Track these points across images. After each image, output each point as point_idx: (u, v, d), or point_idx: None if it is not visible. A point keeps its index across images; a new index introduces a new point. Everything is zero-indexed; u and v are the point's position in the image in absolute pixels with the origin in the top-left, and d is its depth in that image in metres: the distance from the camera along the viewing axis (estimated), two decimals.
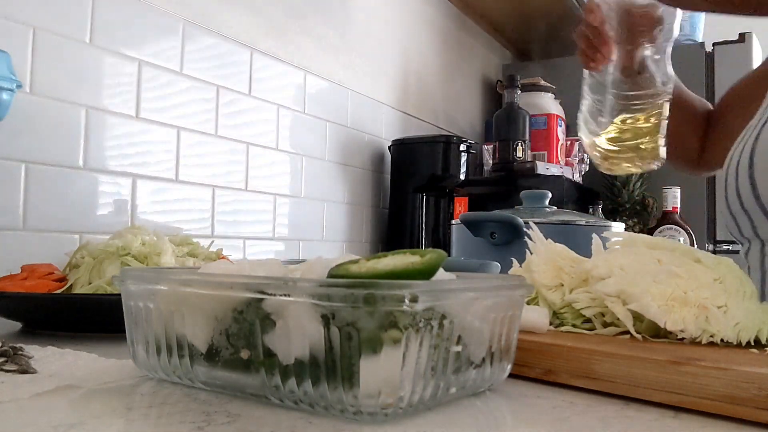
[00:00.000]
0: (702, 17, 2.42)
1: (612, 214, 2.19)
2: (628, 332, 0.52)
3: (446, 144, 1.79)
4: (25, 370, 0.45)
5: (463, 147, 1.82)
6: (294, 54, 1.51)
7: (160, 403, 0.40)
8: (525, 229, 0.92)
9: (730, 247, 2.14)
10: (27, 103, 0.93)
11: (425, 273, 0.38)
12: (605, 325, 0.54)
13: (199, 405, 0.39)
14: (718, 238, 2.18)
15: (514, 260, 0.64)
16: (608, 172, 0.75)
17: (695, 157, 0.98)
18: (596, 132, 0.69)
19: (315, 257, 0.43)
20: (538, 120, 2.16)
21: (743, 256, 0.82)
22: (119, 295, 0.46)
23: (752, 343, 0.49)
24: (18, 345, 0.51)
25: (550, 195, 1.33)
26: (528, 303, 0.56)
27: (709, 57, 2.24)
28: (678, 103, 0.84)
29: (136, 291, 0.45)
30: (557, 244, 0.61)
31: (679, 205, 1.91)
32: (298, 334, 0.36)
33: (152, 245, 0.77)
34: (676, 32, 0.72)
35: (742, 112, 0.83)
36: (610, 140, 0.69)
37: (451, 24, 2.31)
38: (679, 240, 1.81)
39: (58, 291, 0.73)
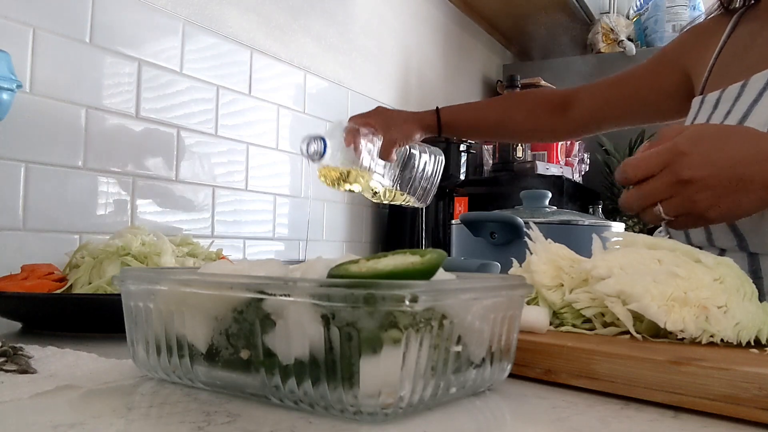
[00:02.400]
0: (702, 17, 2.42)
1: (612, 214, 2.19)
2: (628, 332, 0.52)
3: (446, 144, 1.79)
4: (25, 370, 0.45)
5: (463, 147, 1.82)
6: (294, 54, 1.51)
7: (160, 403, 0.40)
8: (525, 229, 0.92)
9: None
10: (27, 103, 0.93)
11: (425, 273, 0.38)
12: (605, 325, 0.54)
13: (199, 405, 0.39)
14: None
15: (514, 260, 0.64)
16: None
17: (551, 131, 1.16)
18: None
19: (315, 257, 0.43)
20: None
21: None
22: (119, 295, 0.46)
23: (752, 343, 0.49)
24: (18, 345, 0.51)
25: (550, 195, 1.33)
26: (528, 303, 0.56)
27: None
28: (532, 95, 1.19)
29: (136, 291, 0.45)
30: (557, 244, 0.61)
31: None
32: (298, 334, 0.36)
33: (152, 245, 0.77)
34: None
35: (592, 106, 1.07)
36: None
37: (451, 24, 2.31)
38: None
39: (58, 291, 0.73)
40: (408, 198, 1.07)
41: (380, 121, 1.04)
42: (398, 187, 1.06)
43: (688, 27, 1.01)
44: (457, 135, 1.18)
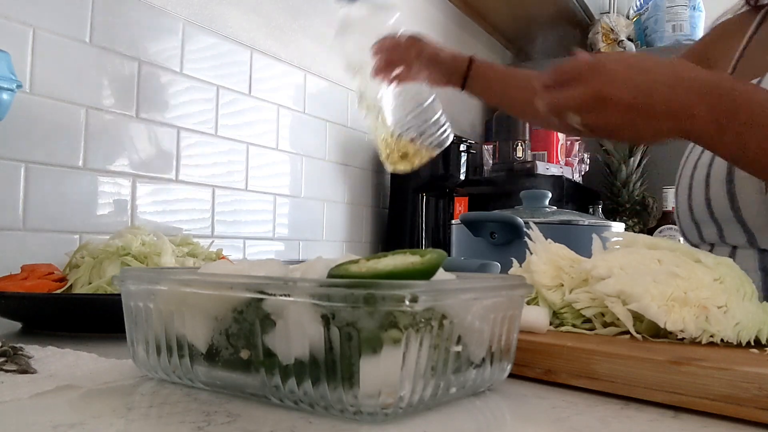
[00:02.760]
0: (702, 17, 2.42)
1: (612, 214, 2.19)
2: (628, 332, 0.52)
3: None
4: (25, 370, 0.45)
5: (463, 147, 1.82)
6: (294, 54, 1.51)
7: (160, 403, 0.40)
8: (525, 229, 0.92)
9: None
10: (27, 103, 0.93)
11: (425, 273, 0.38)
12: (605, 325, 0.54)
13: (199, 405, 0.39)
14: None
15: (514, 260, 0.64)
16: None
17: None
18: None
19: (315, 257, 0.43)
20: None
21: None
22: (119, 295, 0.46)
23: (752, 343, 0.49)
24: (18, 345, 0.51)
25: (550, 195, 1.33)
26: (528, 303, 0.56)
27: None
28: None
29: (136, 291, 0.45)
30: (557, 244, 0.61)
31: None
32: (298, 334, 0.36)
33: (152, 245, 0.77)
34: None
35: None
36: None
37: (451, 24, 2.31)
38: (679, 240, 1.81)
39: (58, 291, 0.73)
40: (401, 143, 0.97)
41: (412, 35, 1.02)
42: (400, 125, 0.97)
43: (716, 23, 1.00)
44: (481, 91, 1.10)
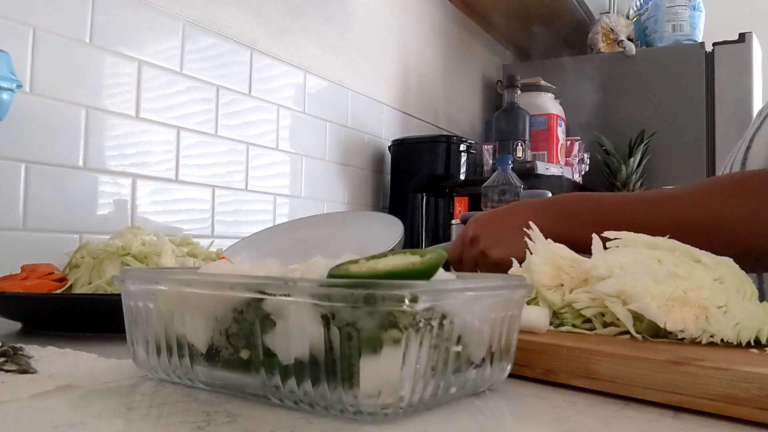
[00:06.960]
0: (702, 17, 2.42)
1: None
2: (628, 332, 0.52)
3: (446, 144, 1.79)
4: (25, 370, 0.45)
5: (463, 147, 1.82)
6: (294, 54, 1.51)
7: (160, 403, 0.40)
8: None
9: None
10: (27, 103, 0.93)
11: (425, 273, 0.38)
12: (605, 325, 0.54)
13: (199, 405, 0.39)
14: None
15: (514, 260, 0.64)
16: None
17: None
18: None
19: (315, 257, 0.43)
20: (538, 120, 2.16)
21: None
22: (119, 295, 0.46)
23: (752, 343, 0.49)
24: (18, 345, 0.51)
25: (549, 195, 1.33)
26: (528, 303, 0.56)
27: (709, 57, 2.24)
28: None
29: (136, 291, 0.45)
30: (557, 244, 0.61)
31: None
32: (298, 334, 0.36)
33: (152, 245, 0.77)
34: None
35: None
36: None
37: (451, 24, 2.31)
38: None
39: (58, 291, 0.73)
40: None
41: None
42: None
43: None
44: None
